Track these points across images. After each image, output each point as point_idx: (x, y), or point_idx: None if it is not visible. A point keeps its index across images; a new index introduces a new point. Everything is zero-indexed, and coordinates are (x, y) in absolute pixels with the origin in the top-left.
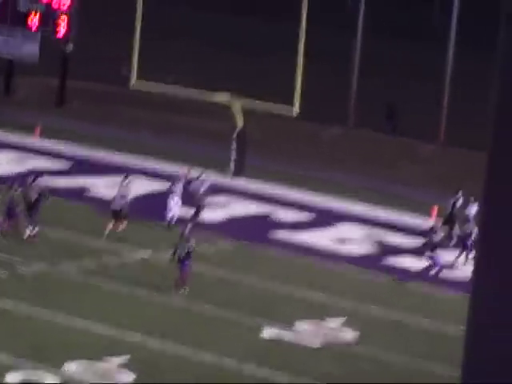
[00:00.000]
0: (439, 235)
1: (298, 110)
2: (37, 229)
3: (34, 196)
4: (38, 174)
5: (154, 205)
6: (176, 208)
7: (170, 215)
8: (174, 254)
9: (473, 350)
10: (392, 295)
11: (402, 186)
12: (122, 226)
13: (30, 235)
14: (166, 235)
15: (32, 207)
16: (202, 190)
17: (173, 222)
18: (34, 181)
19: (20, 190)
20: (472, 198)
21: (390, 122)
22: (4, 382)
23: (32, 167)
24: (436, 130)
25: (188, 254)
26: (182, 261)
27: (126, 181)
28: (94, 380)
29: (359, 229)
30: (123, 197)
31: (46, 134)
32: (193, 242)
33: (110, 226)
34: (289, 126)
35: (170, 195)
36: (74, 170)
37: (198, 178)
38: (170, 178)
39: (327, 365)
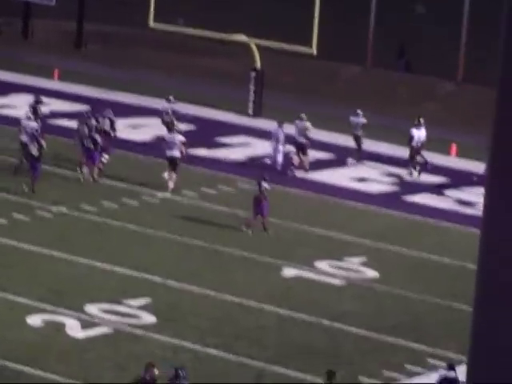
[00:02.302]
0: None
1: (316, 50)
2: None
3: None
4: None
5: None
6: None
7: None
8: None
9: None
10: (411, 233)
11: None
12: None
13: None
14: (184, 176)
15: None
16: None
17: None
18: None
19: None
20: None
21: (402, 61)
22: (25, 324)
23: (50, 110)
24: (454, 67)
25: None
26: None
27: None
28: (115, 322)
29: (378, 167)
30: (174, 144)
31: (64, 76)
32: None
33: (167, 175)
34: (306, 65)
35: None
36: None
37: None
38: (191, 120)
39: (348, 303)
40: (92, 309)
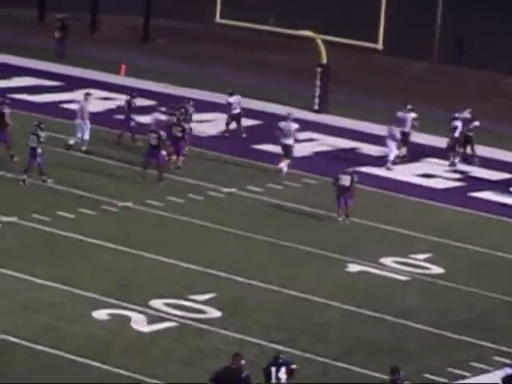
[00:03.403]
0: None
1: (382, 45)
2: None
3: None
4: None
5: (240, 142)
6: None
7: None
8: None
9: None
10: (477, 229)
11: (486, 120)
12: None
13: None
14: (249, 172)
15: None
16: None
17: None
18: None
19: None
20: None
21: (459, 55)
22: (91, 318)
23: (117, 105)
24: None
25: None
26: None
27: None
28: (180, 317)
29: (444, 163)
30: (289, 132)
31: (131, 71)
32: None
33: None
34: (373, 60)
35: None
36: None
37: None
38: (256, 115)
39: (413, 299)
40: (157, 303)
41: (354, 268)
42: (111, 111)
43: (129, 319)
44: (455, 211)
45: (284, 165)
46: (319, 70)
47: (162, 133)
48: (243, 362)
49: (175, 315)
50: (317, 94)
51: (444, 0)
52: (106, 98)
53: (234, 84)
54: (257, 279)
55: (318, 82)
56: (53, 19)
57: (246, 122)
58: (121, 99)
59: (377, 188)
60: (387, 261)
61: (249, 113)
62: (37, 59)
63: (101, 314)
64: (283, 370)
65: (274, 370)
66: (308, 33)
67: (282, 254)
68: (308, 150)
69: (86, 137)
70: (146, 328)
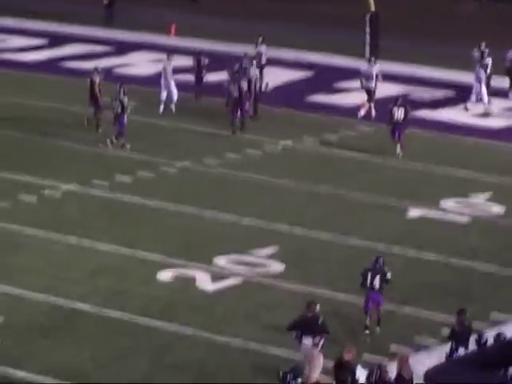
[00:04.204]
0: None
1: None
2: None
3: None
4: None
5: (292, 94)
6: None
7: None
8: None
9: None
10: None
11: None
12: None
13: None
14: (304, 124)
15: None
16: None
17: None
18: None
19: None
20: None
21: None
22: (155, 280)
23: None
24: None
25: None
26: None
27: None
28: (244, 273)
29: (498, 102)
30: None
31: (181, 31)
32: None
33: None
34: (421, 4)
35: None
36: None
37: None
38: (308, 66)
39: (475, 239)
40: (221, 261)
41: (414, 213)
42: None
43: (193, 278)
44: None
45: (363, 109)
46: (368, 17)
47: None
48: (318, 308)
49: (239, 271)
50: (367, 41)
51: None
52: (157, 60)
53: (284, 36)
54: (318, 230)
55: (368, 30)
56: None
57: (298, 73)
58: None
59: (433, 130)
60: (447, 203)
61: (300, 64)
62: (86, 25)
63: (165, 275)
64: (378, 278)
65: (369, 275)
66: None
67: (341, 204)
68: (361, 97)
69: (175, 97)
70: (211, 286)
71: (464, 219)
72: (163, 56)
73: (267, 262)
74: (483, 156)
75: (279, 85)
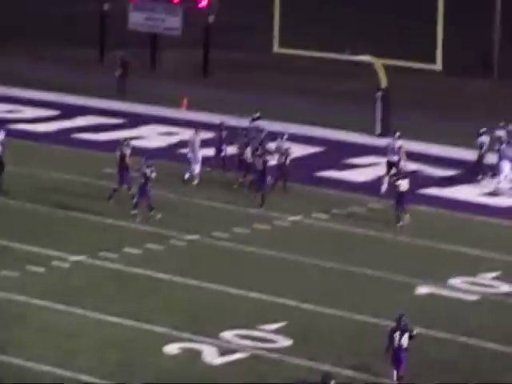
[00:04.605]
0: None
1: (441, 66)
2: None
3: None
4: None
5: (304, 169)
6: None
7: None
8: None
9: None
10: None
11: None
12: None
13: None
14: (314, 199)
15: None
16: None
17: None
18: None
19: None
20: None
21: (487, 69)
22: (162, 352)
23: (179, 140)
24: None
25: None
26: None
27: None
28: (251, 347)
29: (508, 181)
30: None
31: (193, 105)
32: None
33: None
34: (433, 81)
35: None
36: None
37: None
38: (318, 142)
39: (483, 318)
40: (228, 335)
41: (422, 290)
42: (174, 146)
43: (200, 352)
44: None
45: (385, 181)
46: (379, 94)
47: (268, 158)
48: (334, 381)
49: (247, 346)
50: (378, 118)
51: (501, 16)
52: (168, 133)
53: (296, 112)
54: (327, 306)
55: (379, 106)
56: (113, 57)
57: (309, 149)
58: (183, 133)
59: (443, 208)
60: (456, 281)
61: (312, 140)
62: (99, 98)
63: (172, 348)
64: (405, 336)
65: (397, 335)
66: (367, 57)
67: (350, 280)
68: (372, 173)
69: (197, 170)
70: (218, 360)
71: (473, 297)
72: (174, 129)
73: (275, 337)
74: (492, 235)
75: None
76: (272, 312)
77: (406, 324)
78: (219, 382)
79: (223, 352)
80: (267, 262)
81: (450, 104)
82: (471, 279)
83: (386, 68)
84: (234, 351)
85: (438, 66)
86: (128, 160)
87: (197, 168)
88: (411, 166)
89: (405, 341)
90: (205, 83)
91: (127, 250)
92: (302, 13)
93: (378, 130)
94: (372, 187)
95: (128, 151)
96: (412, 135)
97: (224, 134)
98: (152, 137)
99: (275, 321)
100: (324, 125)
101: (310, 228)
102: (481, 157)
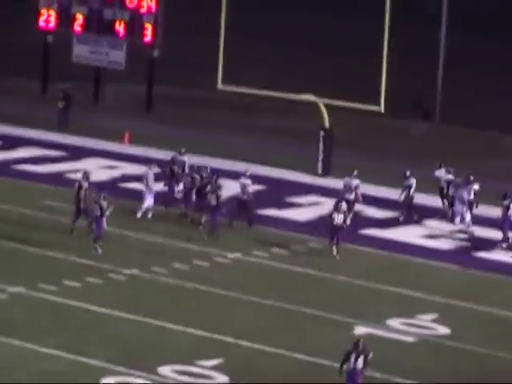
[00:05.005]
0: None
1: (384, 108)
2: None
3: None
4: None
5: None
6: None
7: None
8: None
9: None
10: (483, 289)
11: (490, 180)
12: None
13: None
14: (254, 237)
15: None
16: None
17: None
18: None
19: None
20: None
21: (420, 111)
22: None
23: (122, 174)
24: None
25: None
26: None
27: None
28: (188, 383)
29: (447, 224)
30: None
31: (135, 139)
32: None
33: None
34: (375, 123)
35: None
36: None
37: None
38: (260, 180)
39: (421, 360)
40: (165, 370)
41: (360, 330)
42: (116, 180)
43: None
44: (460, 271)
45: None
46: (322, 133)
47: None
48: None
49: (183, 382)
50: (320, 157)
51: (444, 62)
52: (110, 167)
53: (237, 148)
54: (264, 344)
55: (321, 146)
56: (56, 90)
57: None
58: (124, 167)
59: (381, 250)
60: (394, 322)
61: (254, 178)
62: (40, 129)
63: (109, 382)
64: (361, 359)
65: (353, 356)
66: (310, 97)
67: (288, 318)
68: (313, 213)
69: (151, 204)
70: None
71: (410, 339)
72: (116, 163)
73: (211, 374)
74: (430, 277)
75: (230, 197)
76: (210, 348)
77: (364, 348)
78: None
79: None
80: (206, 299)
81: (391, 145)
82: (409, 320)
83: (329, 108)
84: None
85: (381, 107)
86: (84, 192)
87: (151, 202)
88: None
89: (360, 363)
90: (148, 118)
91: (66, 282)
92: (248, 51)
93: (320, 169)
94: (313, 226)
95: (86, 184)
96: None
97: (178, 169)
98: (93, 170)
99: (213, 357)
100: (265, 163)
101: (249, 266)
102: (410, 198)
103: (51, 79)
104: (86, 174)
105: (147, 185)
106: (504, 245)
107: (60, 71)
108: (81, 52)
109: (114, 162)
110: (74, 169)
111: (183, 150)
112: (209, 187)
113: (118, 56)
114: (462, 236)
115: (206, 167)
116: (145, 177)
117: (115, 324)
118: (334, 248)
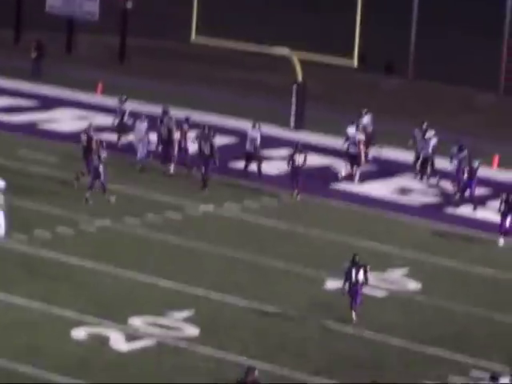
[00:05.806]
0: None
1: (357, 62)
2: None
3: None
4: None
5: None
6: None
7: None
8: None
9: None
10: (454, 245)
11: (461, 136)
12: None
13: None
14: (226, 189)
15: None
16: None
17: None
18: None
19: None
20: None
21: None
22: (69, 337)
23: (94, 124)
24: (495, 79)
25: None
26: None
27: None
28: (159, 335)
29: (419, 179)
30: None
31: (108, 90)
32: None
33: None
34: (348, 77)
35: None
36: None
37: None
38: (233, 133)
39: (391, 314)
40: (136, 321)
41: (331, 284)
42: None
43: (107, 337)
44: (432, 227)
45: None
46: (295, 87)
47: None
48: (257, 374)
49: (154, 333)
50: (293, 111)
51: (418, 18)
52: (82, 117)
53: (209, 101)
54: (235, 296)
55: (294, 100)
56: (29, 39)
57: (223, 139)
58: (97, 118)
59: (354, 203)
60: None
61: (226, 131)
62: (13, 79)
63: (80, 333)
64: (361, 272)
65: (353, 271)
66: (284, 50)
67: (259, 271)
68: (285, 167)
69: (139, 156)
70: (125, 346)
71: (381, 294)
72: (88, 113)
73: (182, 326)
74: (402, 232)
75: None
76: (180, 300)
77: (360, 262)
78: (127, 368)
79: (130, 338)
80: (177, 251)
81: (364, 100)
82: (380, 275)
83: (303, 62)
84: (141, 338)
85: (354, 62)
86: (94, 143)
87: (141, 154)
88: (324, 161)
89: (361, 275)
90: (121, 69)
91: (37, 233)
92: (222, 3)
93: (293, 122)
94: (285, 180)
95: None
96: (325, 130)
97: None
98: (64, 120)
99: (183, 309)
100: (238, 116)
101: (221, 218)
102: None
103: (24, 29)
104: (91, 125)
105: (138, 138)
106: (457, 196)
107: (33, 21)
108: (54, 2)
109: (86, 111)
110: (45, 119)
111: (125, 97)
112: (197, 136)
113: (91, 6)
114: (433, 191)
115: (188, 118)
116: (137, 129)
117: (86, 275)
118: (296, 191)
